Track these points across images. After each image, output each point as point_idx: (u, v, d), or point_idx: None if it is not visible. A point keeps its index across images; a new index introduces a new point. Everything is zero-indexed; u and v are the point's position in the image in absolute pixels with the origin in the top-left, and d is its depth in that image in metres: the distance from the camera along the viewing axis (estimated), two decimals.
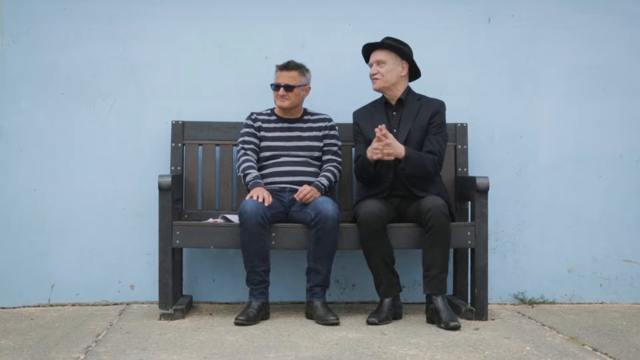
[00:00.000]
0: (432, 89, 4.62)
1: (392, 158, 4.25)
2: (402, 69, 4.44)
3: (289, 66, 4.48)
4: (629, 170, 4.92)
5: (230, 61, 4.84)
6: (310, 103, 4.69)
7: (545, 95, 4.91)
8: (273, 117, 4.58)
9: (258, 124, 4.55)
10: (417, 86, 4.56)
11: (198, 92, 4.83)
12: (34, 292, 4.72)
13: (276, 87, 4.48)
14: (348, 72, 4.76)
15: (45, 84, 4.75)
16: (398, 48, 4.40)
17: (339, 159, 4.58)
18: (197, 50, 4.84)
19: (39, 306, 4.70)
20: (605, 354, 3.59)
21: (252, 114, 4.59)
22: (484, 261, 4.33)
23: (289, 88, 4.46)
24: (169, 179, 4.25)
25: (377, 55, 4.43)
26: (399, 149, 4.25)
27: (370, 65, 4.45)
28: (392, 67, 4.41)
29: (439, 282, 4.18)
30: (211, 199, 4.71)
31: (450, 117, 4.62)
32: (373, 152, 4.26)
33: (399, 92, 4.46)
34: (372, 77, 4.44)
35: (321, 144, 4.57)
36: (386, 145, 4.21)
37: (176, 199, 4.47)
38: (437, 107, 4.45)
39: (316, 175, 4.51)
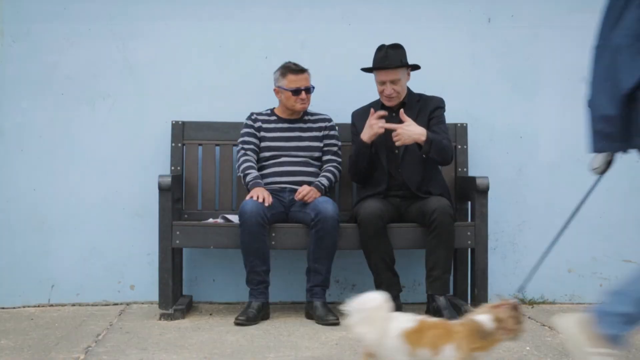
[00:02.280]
0: (432, 89, 4.62)
1: (410, 142, 4.22)
2: (408, 76, 4.45)
3: (303, 68, 4.47)
4: (629, 170, 4.91)
5: (230, 61, 4.84)
6: (310, 103, 4.68)
7: (545, 95, 4.91)
8: (273, 118, 4.58)
9: (258, 124, 4.55)
10: (418, 87, 4.55)
11: (198, 92, 4.83)
12: (34, 292, 4.72)
13: (297, 91, 4.45)
14: (348, 72, 4.76)
15: (45, 84, 4.75)
16: (408, 63, 4.38)
17: (339, 159, 4.58)
18: (197, 50, 4.84)
19: (39, 306, 4.70)
20: None
21: (252, 114, 4.59)
22: (484, 261, 4.33)
23: (309, 90, 4.47)
24: (169, 179, 4.25)
25: (391, 75, 4.35)
26: (418, 132, 4.21)
27: (382, 83, 4.38)
28: (404, 81, 4.41)
29: (443, 282, 4.19)
30: (211, 199, 4.71)
31: (450, 117, 4.62)
32: (372, 129, 4.26)
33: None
34: (388, 96, 4.37)
35: (321, 144, 4.57)
36: (404, 131, 4.19)
37: (176, 199, 4.47)
38: (437, 103, 4.46)
39: (316, 175, 4.51)
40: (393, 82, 4.36)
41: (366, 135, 4.31)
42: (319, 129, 4.57)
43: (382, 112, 4.31)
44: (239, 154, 4.51)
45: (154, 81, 4.81)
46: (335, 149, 4.58)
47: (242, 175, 4.45)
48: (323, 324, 4.16)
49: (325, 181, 4.45)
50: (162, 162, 4.75)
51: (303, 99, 4.48)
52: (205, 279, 4.82)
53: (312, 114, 4.61)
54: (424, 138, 4.21)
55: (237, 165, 4.51)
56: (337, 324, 4.15)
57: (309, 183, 4.42)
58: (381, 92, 4.40)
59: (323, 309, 4.24)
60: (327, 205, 4.22)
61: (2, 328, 4.12)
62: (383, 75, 4.37)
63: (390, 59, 4.34)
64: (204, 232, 4.31)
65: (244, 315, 4.18)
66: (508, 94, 4.90)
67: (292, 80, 4.45)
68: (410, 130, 4.21)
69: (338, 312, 4.34)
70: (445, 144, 4.30)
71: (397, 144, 4.23)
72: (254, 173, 4.43)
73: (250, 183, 4.39)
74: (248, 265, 4.25)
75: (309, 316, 4.32)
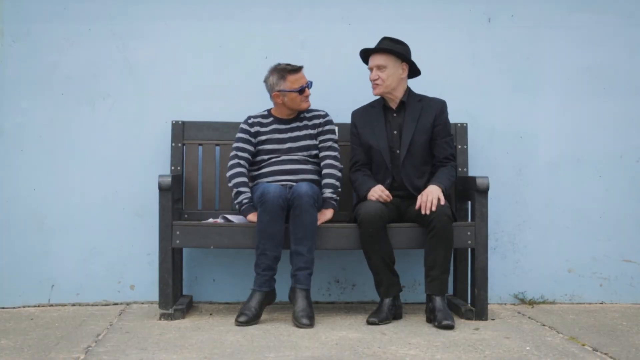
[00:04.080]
0: (432, 89, 4.62)
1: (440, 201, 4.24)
2: (402, 71, 4.42)
3: (299, 66, 4.45)
4: (629, 170, 4.93)
5: (230, 61, 4.84)
6: (310, 103, 4.67)
7: (545, 95, 4.91)
8: (270, 119, 4.56)
9: (255, 128, 4.51)
10: (417, 87, 4.56)
11: (198, 92, 4.84)
12: (34, 292, 4.72)
13: (302, 90, 4.43)
14: (348, 72, 4.76)
15: (45, 84, 4.75)
16: (397, 51, 4.38)
17: (340, 166, 4.48)
18: (197, 50, 4.84)
19: (39, 306, 4.70)
20: (605, 354, 3.59)
21: (248, 117, 4.56)
22: (484, 261, 4.33)
23: (309, 86, 4.48)
24: (169, 179, 4.25)
25: (376, 60, 4.36)
26: (435, 192, 4.21)
27: (370, 70, 4.42)
28: (392, 71, 4.38)
29: (441, 282, 4.19)
30: (211, 199, 4.71)
31: (451, 117, 4.61)
32: (377, 192, 4.31)
33: (399, 94, 4.44)
34: (373, 82, 4.39)
35: (317, 142, 4.54)
36: (427, 199, 4.21)
37: (176, 199, 4.47)
38: (440, 107, 4.45)
39: (316, 172, 4.47)
40: (379, 67, 4.36)
41: (372, 195, 4.31)
42: (314, 127, 4.54)
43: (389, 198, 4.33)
44: (231, 160, 4.46)
45: (154, 81, 4.81)
46: (334, 153, 4.49)
47: (231, 186, 4.41)
48: (295, 326, 4.08)
49: (330, 194, 4.41)
50: (162, 162, 4.75)
51: (308, 96, 4.47)
52: (205, 279, 4.82)
53: (308, 111, 4.59)
54: (441, 193, 4.22)
55: (227, 173, 4.44)
56: (310, 326, 4.08)
57: (309, 181, 4.40)
58: (370, 80, 4.42)
59: (303, 303, 4.12)
60: (302, 184, 4.21)
61: (2, 328, 4.12)
62: (370, 60, 4.39)
63: (380, 44, 4.37)
64: (204, 232, 4.31)
65: (244, 315, 4.15)
66: (508, 94, 4.90)
67: (294, 80, 4.43)
68: (430, 194, 4.19)
69: (338, 312, 4.35)
70: (450, 176, 4.36)
71: (428, 212, 4.19)
72: (246, 194, 4.37)
73: (243, 207, 4.34)
74: (260, 248, 4.17)
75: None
